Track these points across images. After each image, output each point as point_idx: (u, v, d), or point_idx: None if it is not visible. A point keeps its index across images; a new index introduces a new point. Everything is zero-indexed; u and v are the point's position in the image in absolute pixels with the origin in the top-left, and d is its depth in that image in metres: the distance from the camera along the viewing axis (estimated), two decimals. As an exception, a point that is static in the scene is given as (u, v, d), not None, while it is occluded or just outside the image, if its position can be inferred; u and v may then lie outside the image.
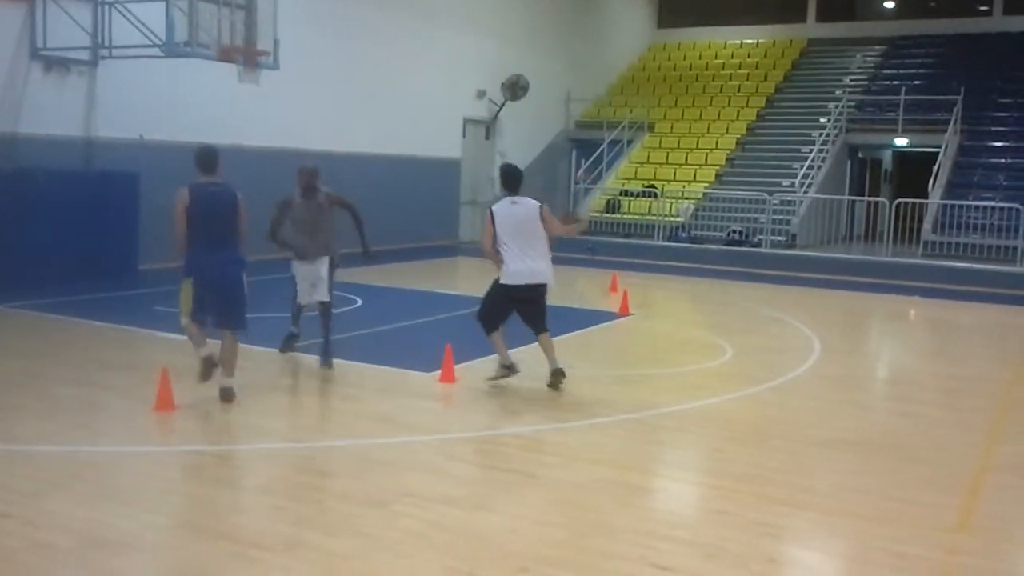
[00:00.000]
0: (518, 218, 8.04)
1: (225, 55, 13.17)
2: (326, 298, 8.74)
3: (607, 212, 22.68)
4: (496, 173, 8.62)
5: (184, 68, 13.96)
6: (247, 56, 13.52)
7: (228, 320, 7.32)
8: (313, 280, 8.73)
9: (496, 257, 8.03)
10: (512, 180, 8.21)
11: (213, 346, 7.35)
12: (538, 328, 8.17)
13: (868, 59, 27.74)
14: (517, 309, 8.19)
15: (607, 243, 20.69)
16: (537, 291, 8.17)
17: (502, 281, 8.05)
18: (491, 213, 8.05)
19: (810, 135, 23.39)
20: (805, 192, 21.20)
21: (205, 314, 7.27)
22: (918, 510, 5.64)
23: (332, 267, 8.89)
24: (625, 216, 22.36)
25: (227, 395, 7.29)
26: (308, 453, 6.39)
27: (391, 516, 5.19)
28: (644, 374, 9.35)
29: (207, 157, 7.27)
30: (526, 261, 8.00)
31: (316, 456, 6.33)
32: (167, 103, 14.65)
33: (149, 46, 12.86)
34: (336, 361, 8.70)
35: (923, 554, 5.03)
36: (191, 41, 12.58)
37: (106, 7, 13.43)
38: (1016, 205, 18.34)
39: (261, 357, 8.80)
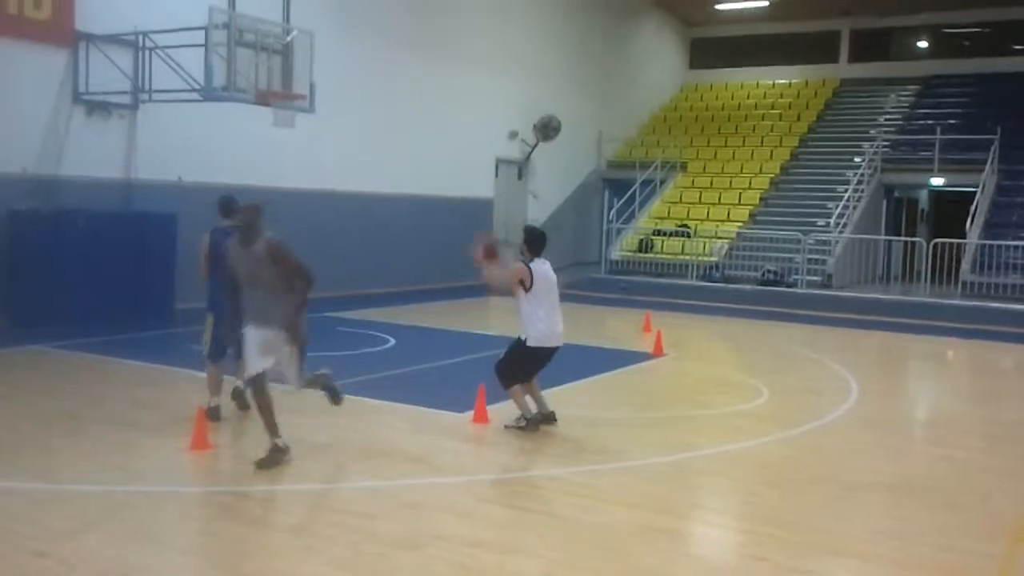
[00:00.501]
0: (551, 280, 8.10)
1: (262, 99, 13.38)
2: (297, 385, 7.13)
3: (640, 252, 22.65)
4: (522, 232, 8.44)
5: (222, 112, 14.19)
6: (283, 100, 13.73)
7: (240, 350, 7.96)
8: (269, 351, 6.90)
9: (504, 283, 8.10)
10: (540, 243, 8.18)
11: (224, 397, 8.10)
12: (534, 376, 8.26)
13: (902, 98, 27.67)
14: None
15: (640, 283, 20.66)
16: (557, 351, 8.22)
17: (532, 344, 7.99)
18: (531, 270, 7.97)
19: (845, 175, 23.29)
20: (840, 232, 21.05)
21: (222, 349, 8.00)
22: (958, 558, 5.53)
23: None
24: (658, 256, 22.32)
25: (239, 395, 8.07)
26: (341, 494, 6.38)
27: (424, 559, 5.16)
28: (679, 416, 9.27)
29: (226, 204, 8.22)
30: (554, 323, 8.06)
31: (349, 497, 6.32)
32: (205, 146, 14.88)
33: (188, 90, 13.12)
34: (369, 401, 8.74)
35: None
36: (229, 86, 12.79)
37: (146, 52, 13.71)
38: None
39: (291, 397, 8.85)
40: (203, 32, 12.74)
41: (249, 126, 14.91)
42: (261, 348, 6.83)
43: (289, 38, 13.72)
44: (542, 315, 7.95)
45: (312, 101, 14.03)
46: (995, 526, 6.14)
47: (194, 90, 13.06)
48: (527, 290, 7.94)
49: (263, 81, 13.35)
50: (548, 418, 8.18)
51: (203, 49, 12.75)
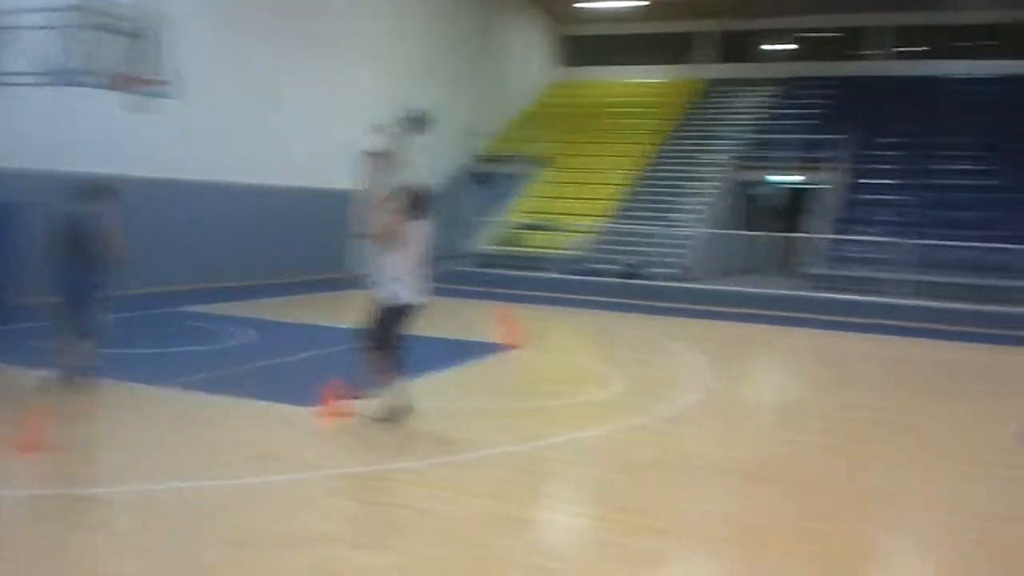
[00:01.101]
0: (424, 240, 8.07)
1: (118, 84, 12.83)
2: None
3: (506, 245, 22.78)
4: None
5: (74, 96, 13.53)
6: (141, 85, 13.20)
7: (76, 328, 8.49)
8: None
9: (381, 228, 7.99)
10: (422, 206, 8.10)
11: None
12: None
13: (763, 99, 28.65)
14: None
15: (503, 276, 20.78)
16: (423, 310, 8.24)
17: (407, 300, 7.93)
18: (405, 229, 7.94)
19: (704, 172, 23.99)
20: (699, 226, 21.68)
21: (68, 326, 8.46)
22: (809, 538, 5.74)
23: None
24: (524, 249, 22.50)
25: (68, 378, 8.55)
26: (186, 493, 6.18)
27: (273, 557, 5.06)
28: (534, 406, 9.35)
29: (87, 189, 8.73)
30: (421, 280, 8.05)
31: (195, 496, 6.13)
32: (54, 132, 14.21)
33: (40, 73, 12.46)
34: (217, 397, 8.55)
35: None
36: (81, 69, 12.22)
37: (-7, 32, 12.98)
38: (900, 240, 19.14)
39: (139, 393, 8.57)
40: (55, 14, 12.13)
41: (102, 112, 14.30)
42: None
43: (148, 23, 13.20)
44: (411, 274, 7.93)
45: (172, 87, 13.53)
46: (844, 506, 6.42)
47: (44, 73, 12.43)
48: (396, 249, 7.89)
49: (120, 66, 12.80)
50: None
51: (58, 31, 12.13)
